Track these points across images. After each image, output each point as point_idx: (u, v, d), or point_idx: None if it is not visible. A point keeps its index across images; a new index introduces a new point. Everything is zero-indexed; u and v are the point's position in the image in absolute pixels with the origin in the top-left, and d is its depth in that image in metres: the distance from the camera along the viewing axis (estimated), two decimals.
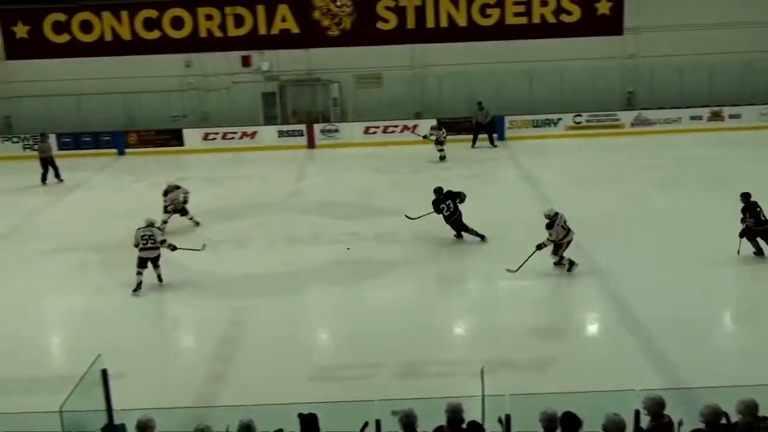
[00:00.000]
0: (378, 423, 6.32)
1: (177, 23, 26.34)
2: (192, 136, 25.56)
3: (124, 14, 26.30)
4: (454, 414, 6.59)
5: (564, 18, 26.44)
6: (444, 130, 22.70)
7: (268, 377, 9.82)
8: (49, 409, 6.24)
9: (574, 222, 13.11)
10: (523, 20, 26.48)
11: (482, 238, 14.70)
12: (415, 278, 13.44)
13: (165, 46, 26.34)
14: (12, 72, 26.39)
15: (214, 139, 25.38)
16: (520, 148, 23.70)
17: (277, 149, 24.88)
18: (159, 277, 13.17)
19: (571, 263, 12.81)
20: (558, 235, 12.69)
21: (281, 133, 25.76)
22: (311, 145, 25.56)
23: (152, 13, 26.28)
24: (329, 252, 14.78)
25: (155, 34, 26.41)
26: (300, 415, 6.50)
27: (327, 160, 23.52)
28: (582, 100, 25.79)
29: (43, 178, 21.41)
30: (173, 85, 26.35)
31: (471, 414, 6.74)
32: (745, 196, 13.27)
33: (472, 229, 14.71)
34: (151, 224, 13.11)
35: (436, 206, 14.87)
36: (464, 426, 6.60)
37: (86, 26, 26.36)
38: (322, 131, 25.73)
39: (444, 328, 11.46)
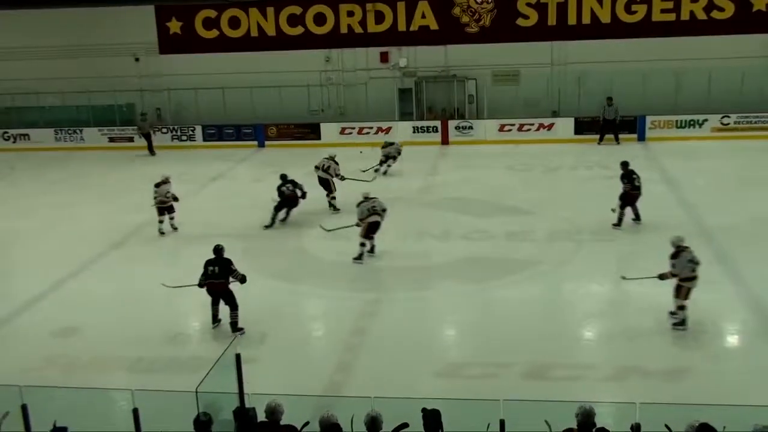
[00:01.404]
0: (502, 423, 6.27)
1: (319, 19, 26.94)
2: (329, 130, 26.09)
3: (270, 11, 27.15)
4: (586, 418, 6.45)
5: (716, 15, 25.18)
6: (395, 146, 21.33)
7: (396, 370, 9.92)
8: (186, 389, 6.54)
9: (719, 229, 12.50)
10: (671, 17, 25.40)
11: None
12: (546, 278, 13.23)
13: (307, 41, 27.01)
14: (165, 66, 27.78)
15: (350, 133, 25.81)
16: (662, 150, 22.80)
17: (412, 144, 25.00)
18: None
19: (682, 322, 10.75)
20: (682, 270, 10.70)
21: (416, 129, 25.89)
22: (445, 141, 25.56)
23: (296, 10, 27.00)
24: (460, 248, 14.76)
25: (298, 30, 27.11)
26: (424, 410, 6.53)
27: (460, 157, 23.46)
28: (731, 100, 24.48)
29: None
30: (313, 80, 26.99)
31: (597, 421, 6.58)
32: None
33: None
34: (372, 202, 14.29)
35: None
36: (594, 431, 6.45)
37: (234, 22, 27.40)
38: (457, 128, 25.68)
39: (574, 331, 11.21)
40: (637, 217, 15.41)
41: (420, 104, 27.00)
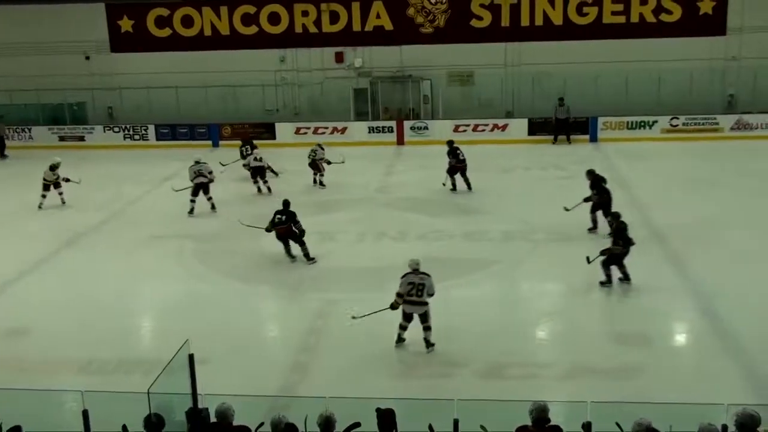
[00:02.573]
0: (456, 423, 6.31)
1: (274, 19, 26.84)
2: (284, 130, 25.99)
3: (224, 10, 26.97)
4: (540, 413, 6.53)
5: (664, 17, 25.70)
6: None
7: (350, 371, 9.91)
8: (138, 390, 6.45)
9: (670, 228, 12.72)
10: (621, 19, 25.88)
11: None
12: (500, 279, 13.35)
13: (261, 41, 26.88)
14: (116, 64, 27.40)
15: (305, 133, 25.74)
16: (614, 150, 23.17)
17: (367, 145, 25.05)
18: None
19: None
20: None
21: (371, 129, 25.94)
22: (401, 141, 25.64)
23: (250, 9, 26.86)
24: (417, 248, 14.78)
25: (252, 30, 26.98)
26: (378, 410, 6.54)
27: (416, 157, 23.54)
28: (680, 102, 25.01)
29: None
30: (268, 79, 26.86)
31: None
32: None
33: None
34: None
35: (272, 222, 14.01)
36: (547, 426, 6.52)
37: (187, 21, 27.15)
38: (412, 128, 25.78)
39: (529, 330, 11.32)
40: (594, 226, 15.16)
41: (375, 104, 27.05)
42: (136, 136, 26.43)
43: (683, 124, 24.70)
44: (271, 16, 26.83)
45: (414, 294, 10.42)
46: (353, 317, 10.88)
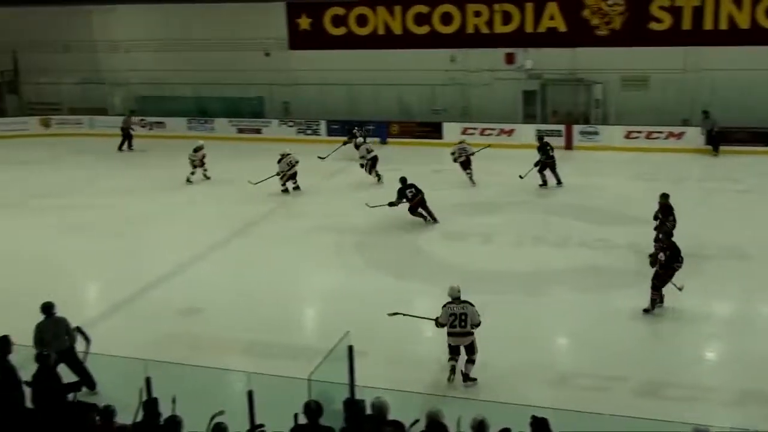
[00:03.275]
0: None
1: (446, 19, 26.97)
2: (451, 130, 26.06)
3: (397, 9, 27.39)
4: None
5: None
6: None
7: (504, 375, 9.87)
8: (299, 376, 6.74)
9: None
10: None
11: (435, 220, 16.60)
12: (666, 294, 12.78)
13: (433, 41, 27.09)
14: (293, 61, 28.52)
15: (472, 134, 25.66)
16: None
17: (534, 148, 24.65)
18: None
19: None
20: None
21: (539, 132, 25.55)
22: (569, 146, 25.08)
23: (423, 9, 27.12)
24: (578, 256, 14.49)
25: (424, 29, 27.23)
26: (533, 418, 6.48)
27: (584, 163, 22.97)
28: None
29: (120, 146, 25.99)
30: (437, 79, 27.05)
31: None
32: None
33: (429, 211, 16.61)
34: None
35: (402, 193, 16.59)
36: None
37: (362, 20, 27.80)
38: (581, 132, 25.16)
39: (693, 350, 10.83)
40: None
41: (544, 107, 26.61)
42: (309, 131, 27.44)
43: None
44: (443, 16, 26.97)
45: (457, 325, 9.86)
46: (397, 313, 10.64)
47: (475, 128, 25.76)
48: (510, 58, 26.70)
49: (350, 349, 7.29)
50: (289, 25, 28.50)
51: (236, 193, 19.82)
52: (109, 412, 7.08)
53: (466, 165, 20.16)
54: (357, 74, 27.06)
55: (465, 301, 10.01)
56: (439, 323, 10.01)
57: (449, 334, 9.89)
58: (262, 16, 28.23)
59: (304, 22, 28.38)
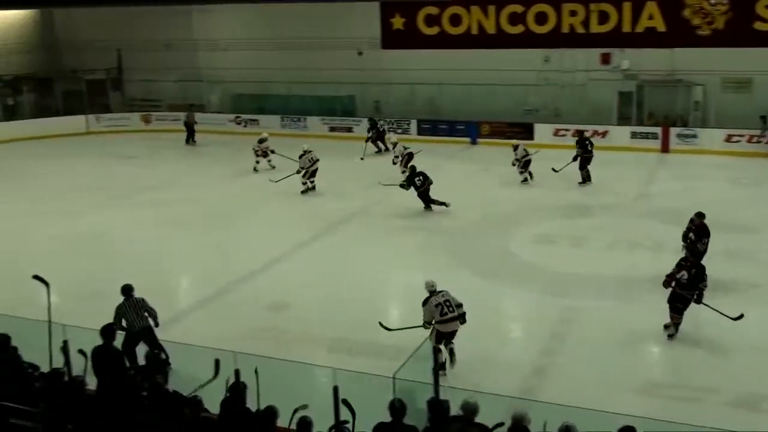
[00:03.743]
0: None
1: (541, 18, 26.60)
2: (543, 131, 25.72)
3: (491, 9, 27.16)
4: None
5: None
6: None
7: (591, 381, 9.68)
8: (384, 374, 6.76)
9: None
10: None
11: (446, 204, 17.45)
12: (758, 306, 12.24)
13: (527, 40, 26.76)
14: (384, 60, 28.66)
15: (564, 135, 25.27)
16: None
17: (629, 150, 24.10)
18: None
19: None
20: None
21: (634, 135, 24.93)
22: (665, 149, 24.38)
23: (518, 8, 26.82)
24: (672, 262, 14.04)
25: (519, 29, 26.93)
26: (623, 428, 6.32)
27: (681, 166, 22.29)
28: None
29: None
30: (529, 79, 26.70)
31: None
32: None
33: (437, 200, 17.45)
34: None
35: (411, 180, 17.55)
36: None
37: (455, 19, 27.70)
38: (679, 135, 24.41)
39: None
40: None
41: (640, 109, 25.94)
42: (399, 130, 27.52)
43: None
44: (538, 15, 26.61)
45: (447, 312, 9.85)
46: (382, 325, 10.64)
47: (567, 129, 25.31)
48: (606, 59, 26.16)
49: (435, 349, 7.27)
50: (382, 25, 28.65)
51: (326, 190, 20.02)
52: (196, 402, 7.27)
53: (525, 166, 20.26)
54: (448, 74, 26.98)
55: (441, 291, 10.11)
56: (426, 323, 9.95)
57: (441, 323, 9.87)
58: (355, 15, 28.45)
59: (398, 22, 28.47)
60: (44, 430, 6.82)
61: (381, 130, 25.46)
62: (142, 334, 9.97)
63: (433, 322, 9.90)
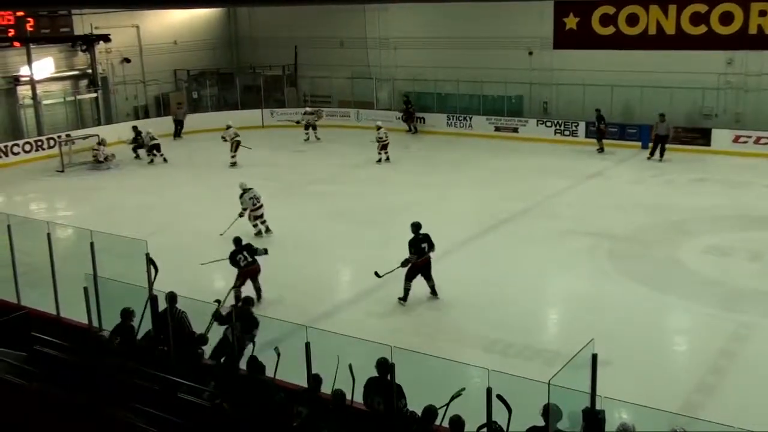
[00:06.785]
0: None
1: (726, 18, 25.14)
2: (721, 137, 24.33)
3: (672, 8, 25.97)
4: None
5: None
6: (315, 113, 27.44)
7: (762, 405, 9.08)
8: (539, 379, 6.64)
9: None
10: None
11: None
12: None
13: (709, 41, 25.39)
14: (554, 60, 28.10)
15: (745, 142, 23.81)
16: None
17: None
18: None
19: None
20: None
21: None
22: None
23: (701, 8, 25.49)
24: None
25: (701, 30, 25.59)
26: None
27: None
28: None
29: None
30: (709, 82, 25.32)
31: None
32: None
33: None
34: None
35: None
36: None
37: (632, 19, 26.71)
38: None
39: None
40: None
41: None
42: (566, 132, 26.92)
43: None
44: (723, 15, 25.17)
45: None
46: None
47: (749, 136, 23.85)
48: None
49: (594, 357, 7.05)
50: (555, 24, 28.11)
51: (490, 190, 19.92)
52: (339, 396, 7.48)
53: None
54: (619, 75, 26.08)
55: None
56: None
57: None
58: (528, 15, 28.08)
59: (571, 21, 27.84)
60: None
61: (410, 111, 28.01)
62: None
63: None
